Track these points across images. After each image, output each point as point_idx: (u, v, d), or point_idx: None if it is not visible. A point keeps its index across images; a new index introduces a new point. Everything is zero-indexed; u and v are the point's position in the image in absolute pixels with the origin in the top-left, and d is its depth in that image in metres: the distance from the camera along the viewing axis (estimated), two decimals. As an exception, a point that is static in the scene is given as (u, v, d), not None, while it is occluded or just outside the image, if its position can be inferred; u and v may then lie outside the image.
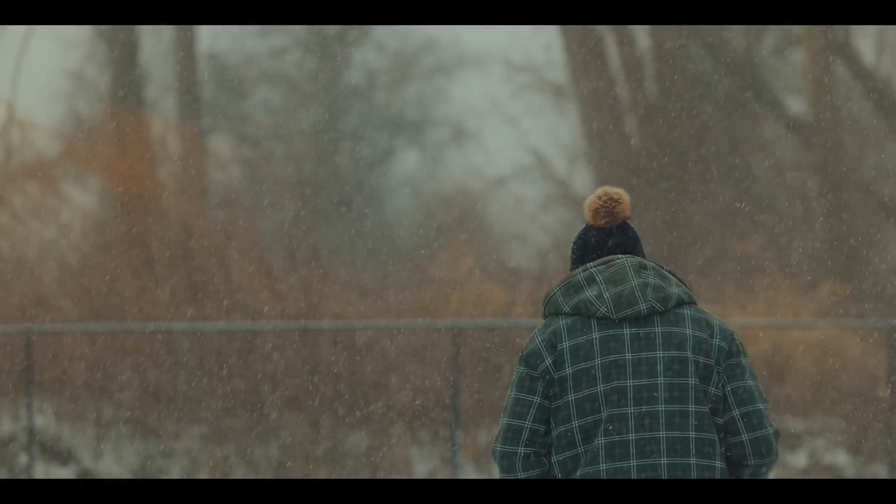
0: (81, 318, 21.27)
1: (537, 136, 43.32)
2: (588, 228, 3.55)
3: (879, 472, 8.41)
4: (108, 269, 23.15)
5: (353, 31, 43.27)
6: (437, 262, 38.78)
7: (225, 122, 41.15)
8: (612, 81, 43.16)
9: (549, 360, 3.26)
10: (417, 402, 9.91)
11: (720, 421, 3.30)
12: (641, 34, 44.90)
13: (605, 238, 3.51)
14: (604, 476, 3.24)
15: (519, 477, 3.35)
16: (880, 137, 39.32)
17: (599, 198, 3.57)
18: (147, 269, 35.60)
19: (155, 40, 41.26)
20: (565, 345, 3.28)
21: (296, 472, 9.52)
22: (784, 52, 42.75)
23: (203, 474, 8.59)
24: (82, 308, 22.82)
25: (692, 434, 3.32)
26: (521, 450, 3.32)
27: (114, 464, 8.78)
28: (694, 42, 45.21)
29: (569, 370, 3.26)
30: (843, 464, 8.75)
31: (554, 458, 3.35)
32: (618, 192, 3.62)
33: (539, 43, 46.69)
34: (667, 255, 41.82)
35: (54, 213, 22.80)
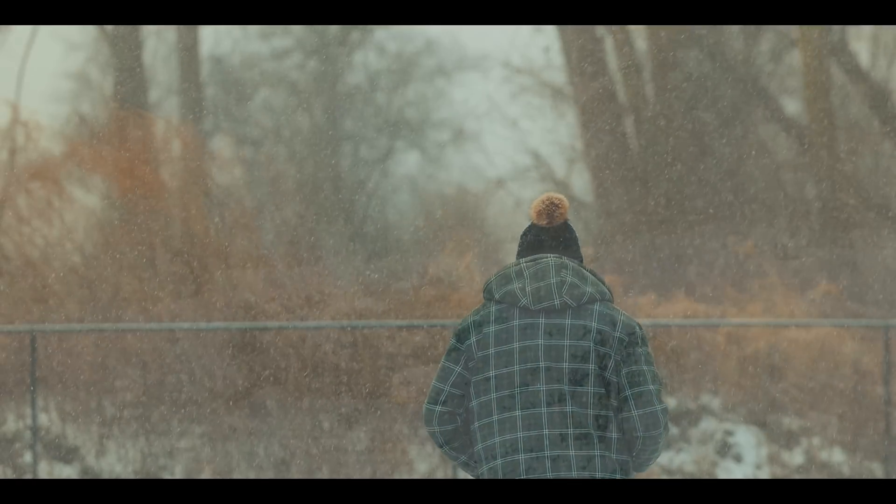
0: (85, 318, 21.38)
1: (536, 138, 43.23)
2: (532, 226, 4.14)
3: (875, 469, 8.54)
4: (112, 268, 23.25)
5: (354, 33, 43.28)
6: (437, 263, 38.79)
7: (227, 124, 41.20)
8: (610, 83, 43.20)
9: (474, 339, 3.78)
10: (418, 401, 10.02)
11: (614, 402, 3.79)
12: (640, 37, 44.86)
13: (543, 236, 4.10)
14: (521, 444, 3.78)
15: (435, 430, 3.81)
16: (876, 139, 39.40)
17: (543, 202, 4.21)
18: (150, 269, 35.68)
19: (158, 42, 41.31)
20: (491, 328, 3.77)
21: (296, 471, 9.62)
22: (781, 54, 42.85)
23: (205, 474, 8.67)
24: (86, 307, 22.92)
25: (590, 411, 3.79)
26: (439, 408, 3.80)
27: (117, 462, 8.86)
28: (692, 44, 45.26)
29: (492, 350, 3.76)
30: (838, 461, 8.88)
31: (475, 425, 3.83)
32: (559, 197, 4.27)
33: (538, 45, 46.35)
34: (667, 254, 41.77)
35: (58, 214, 22.88)
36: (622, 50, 44.79)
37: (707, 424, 9.38)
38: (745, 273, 33.28)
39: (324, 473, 9.24)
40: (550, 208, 4.17)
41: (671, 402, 9.99)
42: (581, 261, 4.11)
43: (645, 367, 3.83)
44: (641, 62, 43.73)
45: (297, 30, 41.11)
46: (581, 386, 3.79)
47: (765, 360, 13.47)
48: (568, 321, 3.83)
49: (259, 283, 21.28)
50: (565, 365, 3.79)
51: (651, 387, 3.83)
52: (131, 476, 8.56)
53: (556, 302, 3.81)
